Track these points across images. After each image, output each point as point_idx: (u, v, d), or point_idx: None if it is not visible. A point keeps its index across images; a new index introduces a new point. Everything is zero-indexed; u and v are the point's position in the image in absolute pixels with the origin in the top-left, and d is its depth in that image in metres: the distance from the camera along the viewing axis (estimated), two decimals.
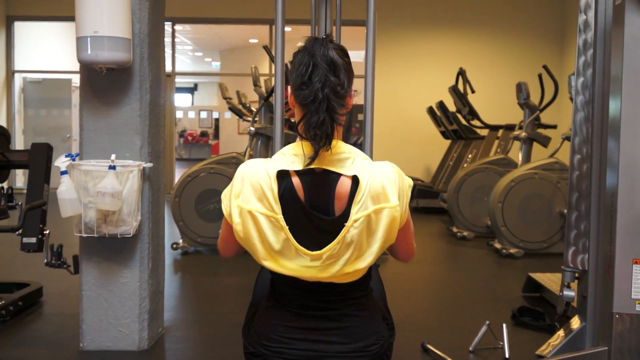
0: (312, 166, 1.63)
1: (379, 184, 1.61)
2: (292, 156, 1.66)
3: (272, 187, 1.61)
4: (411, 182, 1.73)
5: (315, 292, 1.71)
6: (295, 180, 1.64)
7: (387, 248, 1.78)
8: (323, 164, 1.64)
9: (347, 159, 1.66)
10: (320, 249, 1.63)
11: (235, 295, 4.36)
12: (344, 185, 1.63)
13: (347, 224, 1.60)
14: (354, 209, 1.60)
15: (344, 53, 1.69)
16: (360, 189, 1.60)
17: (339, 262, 1.64)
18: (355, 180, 1.62)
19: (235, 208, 1.65)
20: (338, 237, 1.61)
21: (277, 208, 1.61)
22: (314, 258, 1.63)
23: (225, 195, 1.71)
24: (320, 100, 1.58)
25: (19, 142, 11.49)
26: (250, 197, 1.62)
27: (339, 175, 1.64)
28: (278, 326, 1.74)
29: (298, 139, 1.71)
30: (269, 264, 1.67)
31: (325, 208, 1.64)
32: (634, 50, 2.80)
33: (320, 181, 1.64)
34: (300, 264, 1.65)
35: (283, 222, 1.61)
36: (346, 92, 1.66)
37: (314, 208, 1.64)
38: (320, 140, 1.59)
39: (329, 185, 1.64)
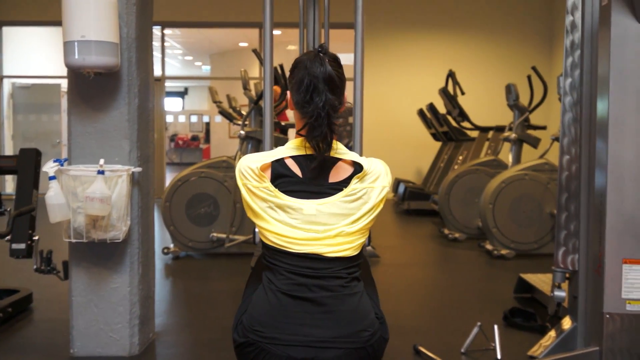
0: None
1: (376, 170, 1.89)
2: (294, 147, 1.90)
3: (260, 165, 1.86)
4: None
5: (308, 268, 1.82)
6: (289, 160, 1.89)
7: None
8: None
9: (343, 151, 1.92)
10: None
11: (227, 299, 4.34)
12: (344, 166, 1.89)
13: (346, 189, 1.85)
14: (355, 181, 1.86)
15: (337, 64, 1.90)
16: (365, 171, 1.87)
17: (332, 220, 1.82)
18: (357, 165, 1.89)
19: (242, 187, 1.89)
20: (336, 194, 1.84)
21: (266, 179, 1.86)
22: (309, 211, 1.82)
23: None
24: (323, 117, 1.82)
25: (8, 148, 11.41)
26: (247, 177, 1.87)
27: (337, 159, 1.89)
28: (270, 311, 1.81)
29: (296, 136, 1.94)
30: (270, 227, 1.85)
31: (320, 180, 1.86)
32: (620, 50, 2.81)
33: (316, 162, 1.85)
34: (296, 222, 1.82)
35: (272, 187, 1.84)
36: (341, 104, 1.90)
37: (308, 178, 1.86)
38: (322, 147, 1.84)
39: (326, 164, 1.87)
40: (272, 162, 1.88)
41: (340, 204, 1.83)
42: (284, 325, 1.79)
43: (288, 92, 1.94)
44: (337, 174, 1.88)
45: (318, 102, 1.82)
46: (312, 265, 1.82)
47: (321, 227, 1.82)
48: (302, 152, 1.89)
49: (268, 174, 1.87)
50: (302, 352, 1.76)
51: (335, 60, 1.89)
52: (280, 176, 1.86)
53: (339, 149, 1.92)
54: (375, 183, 1.88)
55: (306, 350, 1.76)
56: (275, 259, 1.86)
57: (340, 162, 1.89)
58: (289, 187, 1.85)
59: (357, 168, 1.89)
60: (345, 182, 1.86)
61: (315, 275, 1.81)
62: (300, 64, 1.87)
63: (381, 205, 1.91)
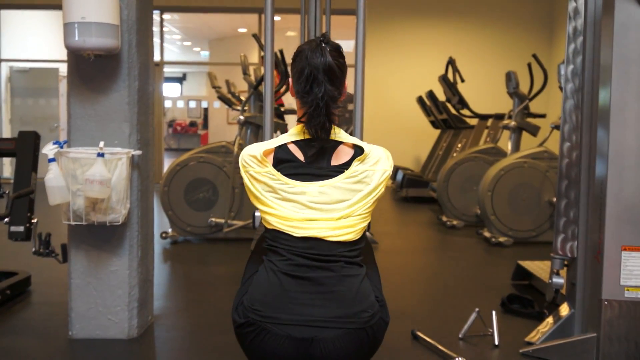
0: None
1: (377, 153, 1.93)
2: (296, 133, 1.95)
3: (262, 151, 1.90)
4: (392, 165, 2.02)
5: (308, 250, 1.83)
6: (292, 146, 1.93)
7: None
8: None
9: (344, 136, 1.96)
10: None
11: (225, 283, 4.34)
12: (345, 149, 1.93)
13: (347, 171, 1.88)
14: (356, 163, 1.89)
15: (339, 54, 1.93)
16: (365, 153, 1.90)
17: (334, 202, 1.86)
18: (358, 148, 1.93)
19: (244, 174, 1.93)
20: (337, 176, 1.87)
21: (269, 164, 1.89)
22: (312, 193, 1.85)
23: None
24: (321, 107, 1.87)
25: (6, 132, 11.39)
26: (249, 164, 1.91)
27: (339, 142, 1.94)
28: (271, 291, 1.83)
29: (296, 123, 1.98)
30: (272, 211, 1.88)
31: (323, 164, 1.90)
32: (623, 37, 2.80)
33: (317, 144, 1.91)
34: (298, 204, 1.85)
35: (275, 171, 1.88)
36: (340, 94, 1.94)
37: (311, 162, 1.90)
38: (321, 134, 1.89)
39: (328, 148, 1.92)
40: (275, 147, 1.93)
41: (342, 186, 1.87)
42: (284, 305, 1.80)
43: (290, 80, 1.99)
44: (338, 157, 1.92)
45: (317, 93, 1.87)
46: (314, 247, 1.84)
47: (324, 208, 1.85)
48: (302, 137, 1.94)
49: (270, 159, 1.91)
50: (301, 331, 1.78)
51: (337, 50, 1.93)
52: (282, 161, 1.90)
53: (340, 134, 1.96)
54: (376, 166, 1.91)
55: (306, 330, 1.78)
56: (276, 241, 1.88)
57: (341, 146, 1.94)
58: (291, 171, 1.88)
59: (358, 151, 1.93)
60: (347, 165, 1.90)
61: (316, 257, 1.83)
62: (301, 53, 1.92)
63: (382, 189, 1.94)
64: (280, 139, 1.96)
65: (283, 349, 1.78)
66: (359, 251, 1.92)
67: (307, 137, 1.92)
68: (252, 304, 1.84)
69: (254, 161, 1.90)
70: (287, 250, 1.85)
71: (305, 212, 1.85)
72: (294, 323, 1.78)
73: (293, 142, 1.94)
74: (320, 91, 1.87)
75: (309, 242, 1.84)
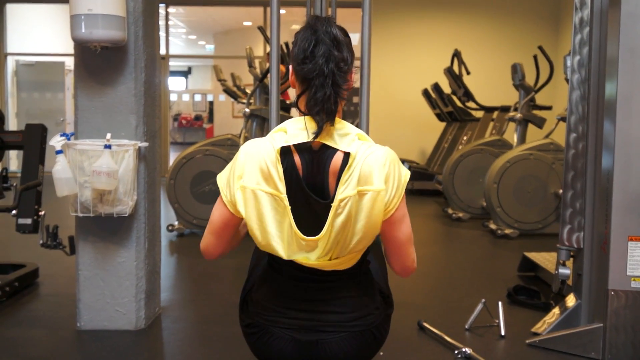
0: (311, 141, 1.62)
1: (367, 165, 1.57)
2: (295, 130, 1.63)
3: (277, 166, 1.58)
4: (408, 173, 1.66)
5: (311, 271, 1.71)
6: (296, 158, 1.62)
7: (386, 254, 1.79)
8: (324, 138, 1.62)
9: (347, 134, 1.63)
10: (315, 233, 1.61)
11: (232, 275, 4.36)
12: (337, 161, 1.61)
13: (334, 205, 1.56)
14: (340, 189, 1.56)
15: (345, 33, 1.67)
16: (349, 167, 1.57)
17: (328, 245, 1.61)
18: (346, 157, 1.59)
19: (239, 190, 1.60)
20: (327, 221, 1.58)
21: (282, 187, 1.58)
22: (309, 246, 1.61)
23: (223, 180, 1.66)
24: (326, 75, 1.57)
25: (12, 126, 11.42)
26: (256, 176, 1.58)
27: (335, 150, 1.61)
28: (273, 296, 1.76)
29: (298, 114, 1.70)
30: (266, 248, 1.65)
31: (321, 187, 1.62)
32: (630, 28, 2.79)
33: (317, 158, 1.62)
34: (295, 249, 1.63)
35: (286, 202, 1.58)
36: (349, 69, 1.64)
37: (310, 186, 1.62)
38: (324, 116, 1.58)
39: (324, 162, 1.62)
40: (282, 160, 1.60)
41: (335, 224, 1.58)
42: (287, 311, 1.74)
43: (289, 67, 1.67)
44: (333, 177, 1.61)
45: (320, 58, 1.56)
46: (314, 269, 1.70)
47: (317, 255, 1.63)
48: (305, 135, 1.61)
49: (278, 173, 1.58)
50: (306, 335, 1.72)
51: (342, 29, 1.66)
52: (290, 185, 1.60)
53: (343, 129, 1.64)
54: (366, 185, 1.55)
55: (310, 334, 1.72)
56: (274, 259, 1.75)
57: (336, 155, 1.61)
58: (293, 205, 1.59)
59: (344, 164, 1.59)
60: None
61: (317, 273, 1.72)
62: (303, 25, 1.65)
63: (380, 215, 1.59)
64: (280, 137, 1.63)
65: (288, 351, 1.74)
66: (364, 267, 1.79)
67: (310, 135, 1.60)
68: (255, 307, 1.79)
69: (267, 176, 1.57)
70: (287, 268, 1.73)
71: (300, 254, 1.64)
72: (297, 327, 1.72)
73: (296, 149, 1.62)
74: (323, 56, 1.56)
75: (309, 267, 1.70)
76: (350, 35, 1.69)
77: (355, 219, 1.57)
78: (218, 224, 1.70)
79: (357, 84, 3.28)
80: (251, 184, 1.58)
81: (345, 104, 1.71)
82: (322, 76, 1.57)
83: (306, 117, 1.63)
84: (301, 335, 1.73)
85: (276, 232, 1.61)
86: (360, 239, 1.61)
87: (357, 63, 1.81)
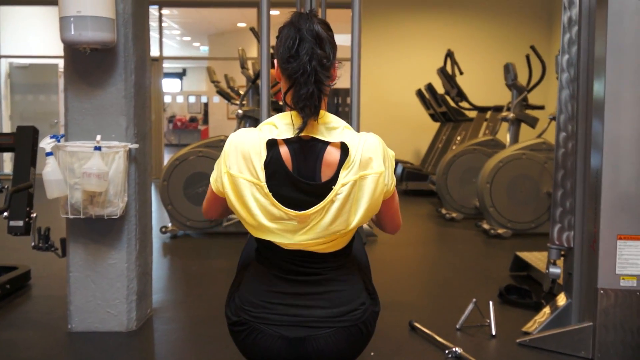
0: (301, 134, 1.69)
1: (366, 152, 1.67)
2: (283, 125, 1.71)
3: (260, 155, 1.66)
4: (394, 153, 1.80)
5: (298, 258, 1.76)
6: (284, 149, 1.69)
7: (375, 220, 1.90)
8: (312, 132, 1.70)
9: (335, 128, 1.72)
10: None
11: (224, 277, 4.35)
12: (332, 153, 1.69)
13: (335, 188, 1.65)
14: (342, 174, 1.66)
15: (327, 27, 1.75)
16: (350, 156, 1.66)
17: (322, 224, 1.68)
18: (344, 148, 1.68)
19: (225, 175, 1.70)
20: (325, 199, 1.66)
21: (262, 175, 1.66)
22: (301, 219, 1.67)
23: (217, 164, 1.78)
24: (309, 73, 1.65)
25: (6, 128, 11.41)
26: (239, 165, 1.67)
27: (327, 143, 1.70)
28: (261, 291, 1.79)
29: (286, 109, 1.76)
30: (255, 231, 1.73)
31: (312, 176, 1.70)
32: (617, 27, 2.80)
33: (307, 149, 1.70)
34: (285, 228, 1.69)
35: (267, 189, 1.65)
36: (331, 64, 1.72)
37: (301, 175, 1.69)
38: (308, 111, 1.66)
39: (317, 153, 1.70)
40: (268, 151, 1.67)
41: (332, 207, 1.66)
42: (275, 306, 1.76)
43: (275, 61, 1.75)
44: (327, 166, 1.69)
45: (304, 56, 1.65)
46: (303, 257, 1.77)
47: (315, 233, 1.70)
48: (292, 129, 1.69)
49: (261, 164, 1.67)
50: (294, 331, 1.75)
51: (325, 23, 1.73)
52: (273, 174, 1.67)
53: (329, 124, 1.72)
54: (367, 170, 1.67)
55: (298, 330, 1.75)
56: (264, 247, 1.80)
57: (329, 148, 1.69)
58: (280, 189, 1.67)
59: (344, 153, 1.68)
60: (336, 177, 1.67)
61: (306, 264, 1.78)
62: (286, 22, 1.72)
63: (380, 196, 1.71)
64: (270, 132, 1.70)
65: (276, 348, 1.76)
66: (350, 248, 1.86)
67: (296, 128, 1.68)
68: (243, 303, 1.80)
69: (250, 167, 1.66)
70: (276, 258, 1.78)
71: (294, 237, 1.70)
72: (285, 323, 1.75)
73: (284, 141, 1.69)
74: (307, 54, 1.64)
75: (298, 253, 1.75)
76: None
77: (358, 198, 1.68)
78: (211, 198, 1.87)
79: (347, 84, 3.29)
80: (234, 172, 1.68)
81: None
82: (305, 74, 1.65)
83: (292, 112, 1.71)
84: (289, 332, 1.75)
85: (262, 215, 1.69)
86: (362, 217, 1.70)
87: (341, 57, 1.87)
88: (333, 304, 1.77)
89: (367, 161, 1.67)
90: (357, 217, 1.70)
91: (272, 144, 1.69)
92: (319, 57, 1.66)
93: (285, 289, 1.77)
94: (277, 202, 1.66)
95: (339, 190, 1.65)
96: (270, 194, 1.65)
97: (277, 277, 1.78)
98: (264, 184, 1.66)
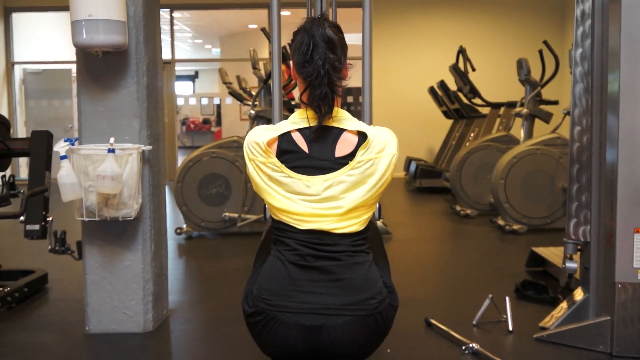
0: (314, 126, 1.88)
1: (383, 138, 1.87)
2: (298, 119, 1.91)
3: (266, 140, 1.86)
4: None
5: (314, 241, 1.84)
6: (296, 135, 1.88)
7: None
8: (327, 122, 1.89)
9: (349, 120, 1.92)
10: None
11: (239, 277, 4.36)
12: (349, 137, 1.88)
13: (352, 162, 1.83)
14: (360, 152, 1.84)
15: (338, 30, 1.91)
16: (368, 139, 1.85)
17: (335, 192, 1.83)
18: (361, 135, 1.87)
19: (249, 162, 1.91)
20: (340, 169, 1.83)
21: (272, 154, 1.86)
22: (316, 187, 1.82)
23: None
24: (322, 76, 1.83)
25: (21, 134, 11.48)
26: (254, 152, 1.89)
27: (342, 130, 1.89)
28: (279, 280, 1.84)
29: (302, 107, 1.93)
30: (275, 209, 1.88)
31: (327, 155, 1.86)
32: (631, 19, 2.78)
33: (322, 133, 1.88)
34: (303, 198, 1.83)
35: (279, 163, 1.85)
36: (342, 66, 1.90)
37: (315, 155, 1.86)
38: (323, 110, 1.85)
39: (332, 137, 1.88)
40: (279, 136, 1.88)
41: (347, 179, 1.83)
42: (292, 294, 1.81)
43: (291, 62, 1.93)
44: (343, 147, 1.87)
45: (318, 61, 1.83)
46: (319, 239, 1.84)
47: (328, 204, 1.83)
48: (307, 124, 1.88)
49: (274, 148, 1.87)
50: (310, 319, 1.79)
51: (335, 26, 1.90)
52: (286, 152, 1.86)
53: (344, 118, 1.91)
54: (382, 152, 1.86)
55: (314, 318, 1.79)
56: (283, 232, 1.89)
57: (345, 134, 1.88)
58: (295, 163, 1.85)
59: (362, 138, 1.87)
60: (351, 156, 1.85)
61: (322, 248, 1.84)
62: (300, 28, 1.90)
63: (390, 175, 1.88)
64: (284, 125, 1.91)
65: (292, 337, 1.80)
66: (365, 239, 1.91)
67: (311, 123, 1.87)
68: (260, 292, 1.85)
69: (259, 150, 1.86)
70: (294, 241, 1.85)
71: (309, 206, 1.84)
72: (302, 311, 1.79)
73: (297, 129, 1.89)
74: (320, 59, 1.82)
75: (314, 234, 1.84)
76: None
77: (371, 173, 1.85)
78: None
79: (359, 83, 3.28)
80: (251, 157, 1.90)
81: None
82: (320, 77, 1.84)
83: (308, 109, 1.89)
84: (306, 320, 1.79)
85: (279, 188, 1.86)
86: (377, 191, 1.87)
87: (353, 56, 2.04)
88: (349, 292, 1.81)
89: (384, 146, 1.86)
90: (368, 188, 1.84)
91: (285, 132, 1.88)
92: (332, 61, 1.84)
93: (302, 276, 1.83)
94: (290, 171, 1.83)
95: (355, 165, 1.83)
96: (284, 165, 1.84)
97: (293, 264, 1.84)
98: (274, 159, 1.85)
